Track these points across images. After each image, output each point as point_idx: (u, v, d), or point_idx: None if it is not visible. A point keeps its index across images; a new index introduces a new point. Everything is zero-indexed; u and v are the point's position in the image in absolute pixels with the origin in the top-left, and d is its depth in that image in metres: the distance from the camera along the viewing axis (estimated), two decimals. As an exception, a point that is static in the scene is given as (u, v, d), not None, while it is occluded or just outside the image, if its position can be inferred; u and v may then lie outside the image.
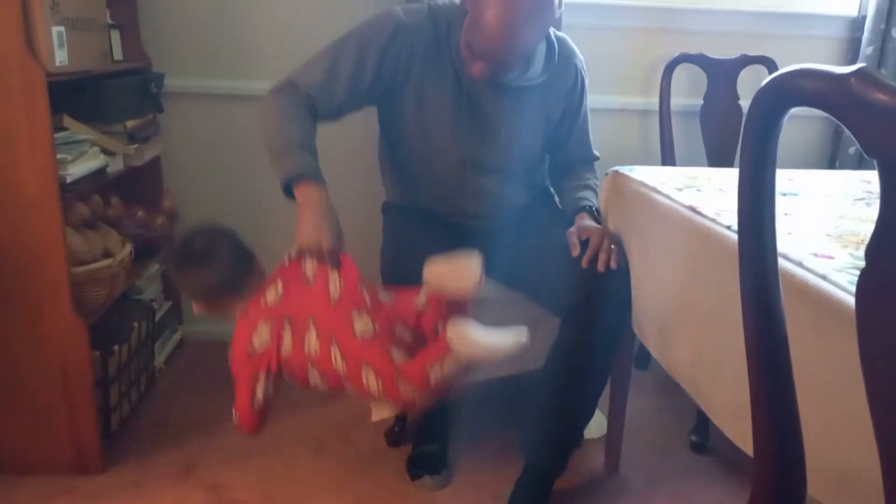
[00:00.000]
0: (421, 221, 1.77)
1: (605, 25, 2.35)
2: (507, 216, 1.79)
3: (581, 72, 1.75)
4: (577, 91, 1.74)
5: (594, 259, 1.56)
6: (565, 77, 1.70)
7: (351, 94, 1.59)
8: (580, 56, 1.75)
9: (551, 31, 1.66)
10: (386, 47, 1.57)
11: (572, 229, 1.64)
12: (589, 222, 1.67)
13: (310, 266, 1.37)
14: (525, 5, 1.42)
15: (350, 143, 2.24)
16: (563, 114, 1.75)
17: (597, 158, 1.88)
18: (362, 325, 1.31)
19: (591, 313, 1.58)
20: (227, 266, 1.37)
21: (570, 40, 1.76)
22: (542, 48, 1.63)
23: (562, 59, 1.68)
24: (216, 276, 1.36)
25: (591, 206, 1.73)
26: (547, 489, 1.70)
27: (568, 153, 1.84)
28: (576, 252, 1.58)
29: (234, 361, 1.35)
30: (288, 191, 1.48)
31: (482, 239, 1.71)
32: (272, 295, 1.35)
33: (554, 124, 1.76)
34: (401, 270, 1.59)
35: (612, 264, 1.55)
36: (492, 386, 2.16)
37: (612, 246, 1.57)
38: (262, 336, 1.32)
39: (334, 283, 1.35)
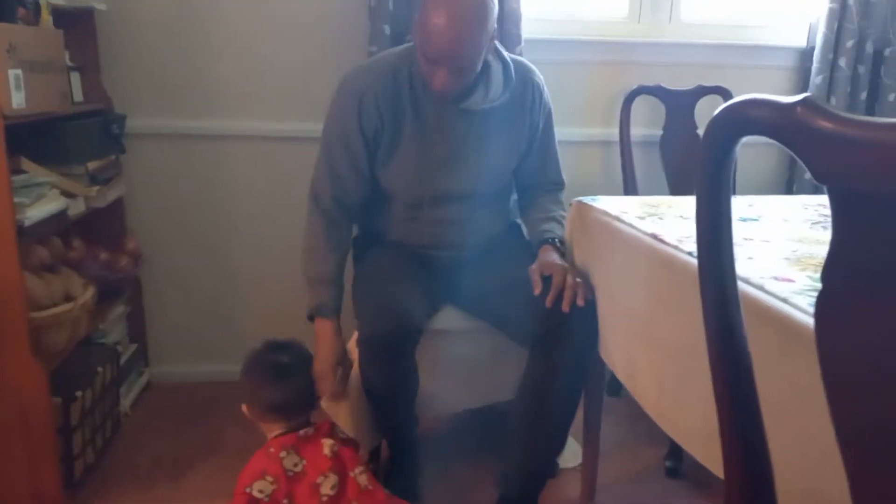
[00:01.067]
0: (387, 253, 1.77)
1: (565, 60, 2.39)
2: (474, 245, 1.79)
3: (540, 86, 1.77)
4: (537, 105, 1.76)
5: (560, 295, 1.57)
6: (525, 93, 1.74)
7: (360, 178, 1.71)
8: (538, 72, 1.78)
9: (504, 52, 1.71)
10: (360, 120, 1.64)
11: (534, 266, 1.63)
12: (551, 256, 1.66)
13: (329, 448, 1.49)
14: (466, 4, 1.50)
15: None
16: (529, 129, 1.76)
17: (562, 185, 1.88)
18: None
19: (558, 344, 1.58)
20: (304, 389, 1.53)
21: (525, 60, 1.81)
22: (498, 69, 1.67)
23: (519, 76, 1.72)
24: (291, 394, 1.49)
25: (554, 239, 1.72)
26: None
27: (532, 174, 1.83)
28: (537, 291, 1.57)
29: (238, 488, 1.43)
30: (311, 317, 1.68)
31: (449, 269, 1.73)
32: (290, 464, 1.45)
33: (525, 142, 1.77)
34: (369, 302, 1.61)
35: (579, 301, 1.54)
36: (463, 418, 2.16)
37: (578, 280, 1.57)
38: (264, 489, 1.41)
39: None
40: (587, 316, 1.57)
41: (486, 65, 1.64)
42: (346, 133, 1.66)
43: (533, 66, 1.79)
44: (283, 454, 1.44)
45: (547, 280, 1.59)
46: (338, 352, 1.65)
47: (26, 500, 1.67)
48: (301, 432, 1.49)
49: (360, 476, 1.48)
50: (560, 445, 1.75)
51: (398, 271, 1.69)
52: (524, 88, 1.73)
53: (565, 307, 1.54)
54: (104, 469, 1.93)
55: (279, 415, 1.51)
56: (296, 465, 1.46)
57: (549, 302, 1.54)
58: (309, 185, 1.75)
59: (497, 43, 1.68)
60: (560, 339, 1.57)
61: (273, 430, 1.51)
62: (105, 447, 1.99)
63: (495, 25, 1.59)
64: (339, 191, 1.70)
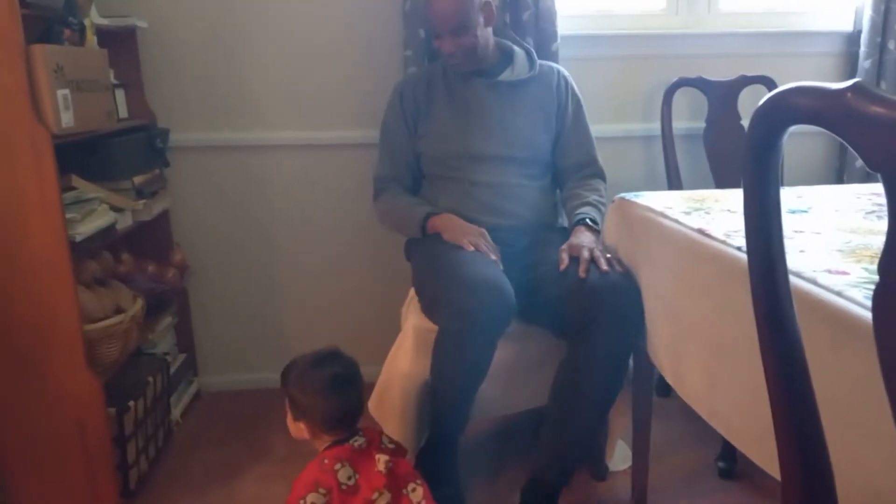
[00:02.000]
0: (445, 242, 1.79)
1: (601, 55, 2.37)
2: (516, 215, 1.88)
3: (566, 76, 2.01)
4: (563, 89, 1.98)
5: (596, 279, 1.59)
6: (551, 76, 1.98)
7: (410, 151, 1.99)
8: (564, 69, 2.03)
9: (526, 44, 2.01)
10: (402, 107, 1.97)
11: (564, 245, 1.72)
12: (581, 237, 1.74)
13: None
14: None
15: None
16: (557, 109, 1.96)
17: (600, 172, 2.00)
18: None
19: (597, 333, 1.57)
20: (360, 398, 1.48)
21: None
22: (521, 53, 1.96)
23: (544, 64, 1.99)
24: (350, 405, 1.45)
25: (584, 219, 1.81)
26: (552, 500, 1.68)
27: (567, 158, 1.98)
28: (562, 266, 1.65)
29: (291, 499, 1.41)
30: (424, 232, 1.87)
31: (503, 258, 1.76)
32: (344, 477, 1.41)
33: (554, 119, 1.95)
34: (461, 280, 1.60)
35: (604, 267, 1.61)
36: (505, 424, 2.14)
37: (606, 254, 1.65)
38: (317, 501, 1.38)
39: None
40: (628, 306, 1.55)
41: (509, 49, 1.96)
42: (395, 121, 1.98)
43: (561, 67, 2.03)
44: (337, 466, 1.41)
45: (575, 260, 1.66)
46: (470, 224, 1.82)
47: (85, 509, 1.72)
48: (355, 444, 1.45)
49: (413, 493, 1.46)
50: (593, 431, 1.75)
51: (455, 256, 1.70)
52: (550, 72, 1.98)
53: (604, 268, 1.61)
54: (158, 478, 1.97)
55: (338, 427, 1.46)
56: (349, 478, 1.42)
57: (581, 272, 1.61)
58: (372, 186, 2.02)
59: (514, 35, 2.03)
60: (599, 329, 1.56)
61: (324, 442, 1.47)
62: (158, 456, 2.03)
63: (489, 1, 1.85)
64: (397, 171, 1.98)
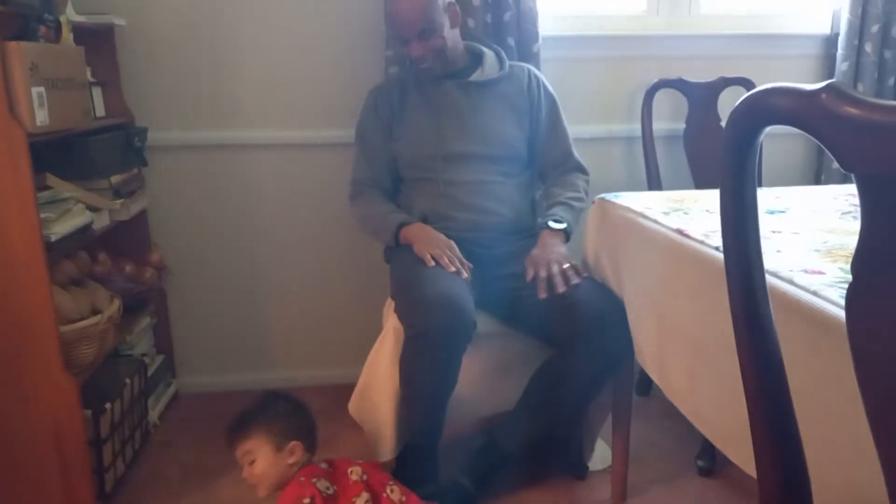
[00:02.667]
0: (412, 254, 1.80)
1: (583, 56, 2.38)
2: (495, 213, 1.88)
3: (538, 76, 2.01)
4: (535, 88, 1.97)
5: (581, 295, 1.62)
6: (522, 77, 1.98)
7: (387, 153, 1.97)
8: (536, 69, 2.04)
9: (495, 46, 2.01)
10: (376, 110, 1.97)
11: (529, 256, 1.72)
12: (545, 248, 1.73)
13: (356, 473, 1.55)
14: None
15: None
16: (530, 108, 1.95)
17: (578, 167, 2.00)
18: None
19: (581, 349, 1.61)
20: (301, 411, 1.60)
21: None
22: (491, 54, 1.97)
23: (513, 65, 1.99)
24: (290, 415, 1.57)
25: (545, 223, 1.81)
26: (501, 466, 1.76)
27: (544, 156, 1.99)
28: (529, 278, 1.66)
29: None
30: (397, 241, 1.86)
31: (478, 258, 1.79)
32: (323, 487, 1.49)
33: (527, 118, 1.95)
34: (422, 296, 1.62)
35: (559, 290, 1.61)
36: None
37: (564, 266, 1.65)
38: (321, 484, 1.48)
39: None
40: (615, 326, 1.57)
41: (478, 51, 1.97)
42: (371, 125, 1.97)
43: (532, 66, 2.04)
44: (314, 479, 1.48)
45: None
46: (440, 234, 1.81)
47: (60, 513, 1.69)
48: (323, 465, 1.54)
49: (392, 493, 1.49)
50: (556, 429, 1.81)
51: (434, 269, 1.71)
52: (521, 72, 1.99)
53: (559, 290, 1.61)
54: (135, 480, 1.94)
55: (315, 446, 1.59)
56: (328, 488, 1.48)
57: (539, 294, 1.61)
58: (349, 189, 2.01)
59: (482, 37, 2.04)
60: (584, 346, 1.60)
61: (293, 467, 1.53)
62: (135, 458, 2.01)
63: (454, 2, 1.86)
64: (375, 174, 1.97)
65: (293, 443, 1.53)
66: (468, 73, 1.93)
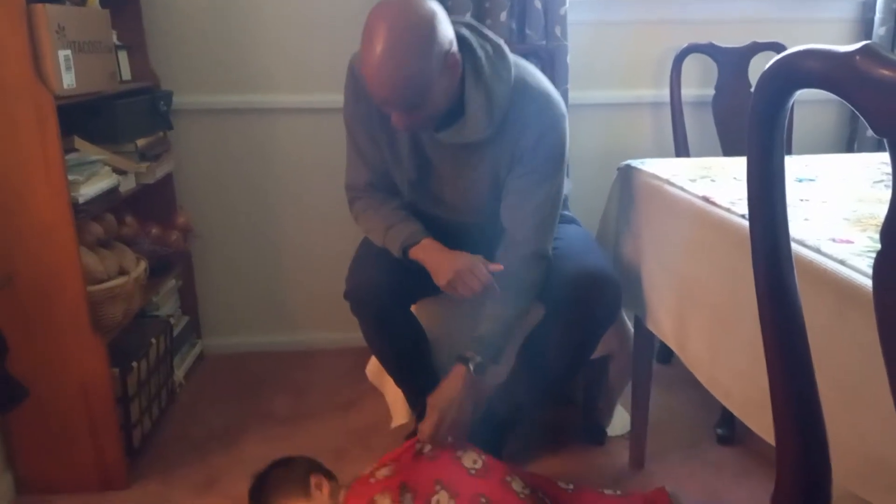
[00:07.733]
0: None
1: (610, 20, 2.33)
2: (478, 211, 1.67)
3: (544, 129, 1.49)
4: (527, 148, 1.50)
5: (587, 264, 1.57)
6: (515, 134, 1.49)
7: (377, 156, 1.64)
8: (557, 112, 1.51)
9: (507, 75, 1.47)
10: (356, 99, 1.61)
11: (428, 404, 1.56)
12: (444, 391, 1.54)
13: (427, 448, 1.56)
14: (398, 38, 1.32)
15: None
16: (511, 161, 1.53)
17: (540, 255, 1.56)
18: (518, 485, 1.50)
19: (573, 317, 1.58)
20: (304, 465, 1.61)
21: (547, 88, 1.53)
22: (479, 101, 1.44)
23: (517, 114, 1.49)
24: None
25: (466, 358, 1.54)
26: (501, 435, 1.75)
27: (504, 219, 1.58)
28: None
29: None
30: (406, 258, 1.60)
31: (464, 235, 1.64)
32: (385, 471, 1.51)
33: (502, 178, 1.57)
34: (361, 269, 1.67)
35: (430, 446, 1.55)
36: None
37: (449, 424, 1.53)
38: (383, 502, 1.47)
39: (470, 458, 1.53)
40: (612, 298, 1.56)
41: (462, 97, 1.44)
42: (361, 130, 1.63)
43: (551, 105, 1.51)
44: (370, 479, 1.53)
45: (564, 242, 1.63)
46: (456, 253, 1.54)
47: (90, 468, 1.74)
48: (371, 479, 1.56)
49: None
50: (547, 394, 1.76)
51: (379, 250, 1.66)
52: (525, 125, 1.48)
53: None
54: (161, 437, 1.99)
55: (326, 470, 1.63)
56: (390, 469, 1.54)
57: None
58: (345, 185, 1.73)
59: (487, 68, 1.44)
60: (576, 313, 1.57)
61: (334, 496, 1.55)
62: (161, 416, 2.05)
63: (449, 48, 1.35)
64: (371, 173, 1.64)
65: (312, 479, 1.55)
66: (450, 121, 1.47)
